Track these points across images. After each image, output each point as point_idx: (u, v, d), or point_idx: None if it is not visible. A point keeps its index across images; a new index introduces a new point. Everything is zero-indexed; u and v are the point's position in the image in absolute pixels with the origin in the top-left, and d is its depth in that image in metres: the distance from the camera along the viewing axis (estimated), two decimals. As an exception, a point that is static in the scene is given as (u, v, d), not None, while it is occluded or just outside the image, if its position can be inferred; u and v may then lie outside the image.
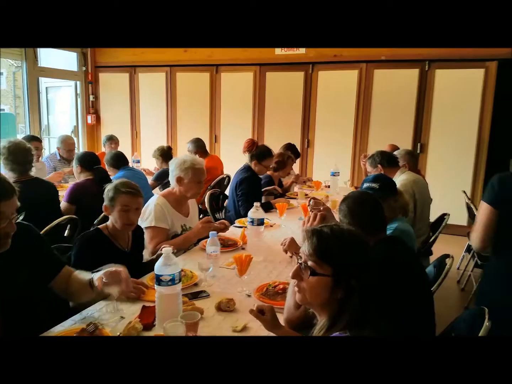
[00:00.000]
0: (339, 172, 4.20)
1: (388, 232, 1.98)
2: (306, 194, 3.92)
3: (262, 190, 3.56)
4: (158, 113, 6.57)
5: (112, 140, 4.92)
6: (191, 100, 6.36)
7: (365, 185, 2.15)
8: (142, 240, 2.19)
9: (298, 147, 5.66)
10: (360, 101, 5.50)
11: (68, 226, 2.73)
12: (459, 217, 4.47)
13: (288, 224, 2.88)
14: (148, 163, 5.38)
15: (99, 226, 2.02)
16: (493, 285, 1.93)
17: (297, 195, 3.84)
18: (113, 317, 1.57)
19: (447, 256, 2.13)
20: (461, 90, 5.06)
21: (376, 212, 1.76)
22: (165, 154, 4.13)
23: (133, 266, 1.86)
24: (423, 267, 1.87)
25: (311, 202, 2.41)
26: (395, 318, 1.37)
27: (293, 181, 4.26)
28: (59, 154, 4.31)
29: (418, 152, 5.28)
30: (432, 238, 2.88)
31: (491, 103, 4.95)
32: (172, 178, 2.37)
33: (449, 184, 5.05)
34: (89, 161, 3.17)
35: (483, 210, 1.86)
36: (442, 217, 3.07)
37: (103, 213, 2.77)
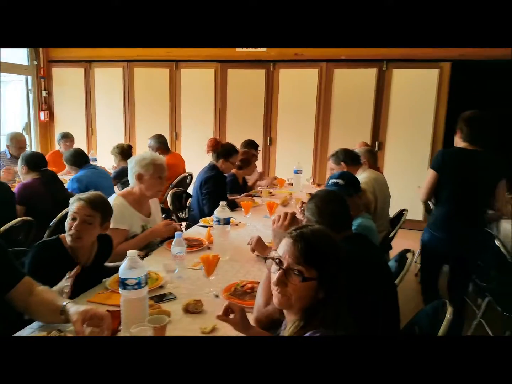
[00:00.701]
0: (301, 170, 4.23)
1: (352, 228, 2.01)
2: (270, 192, 3.93)
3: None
4: (115, 110, 6.37)
5: (67, 138, 4.72)
6: (150, 96, 6.21)
7: (331, 181, 2.18)
8: (109, 252, 2.03)
9: (261, 144, 5.68)
10: (320, 99, 5.58)
11: (23, 229, 2.60)
12: (415, 213, 4.64)
13: (253, 223, 2.87)
14: (105, 161, 5.20)
15: (60, 236, 1.86)
16: (434, 219, 2.63)
17: (261, 193, 3.84)
18: (74, 324, 1.50)
19: (407, 250, 2.20)
20: (417, 89, 5.24)
21: (342, 210, 1.78)
22: (125, 152, 4.01)
23: (90, 282, 1.78)
24: (387, 262, 1.91)
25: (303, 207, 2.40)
26: (363, 315, 1.39)
27: (257, 179, 4.25)
28: (9, 152, 4.09)
29: (376, 149, 5.43)
30: (392, 233, 2.96)
31: (445, 102, 5.16)
32: (131, 176, 2.30)
33: (406, 181, 5.22)
34: (35, 162, 3.02)
35: (429, 174, 2.53)
36: (401, 213, 3.16)
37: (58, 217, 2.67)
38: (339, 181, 2.12)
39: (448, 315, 1.53)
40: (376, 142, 5.46)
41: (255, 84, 5.77)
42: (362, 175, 3.05)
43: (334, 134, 5.60)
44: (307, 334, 1.06)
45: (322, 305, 1.07)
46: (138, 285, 1.45)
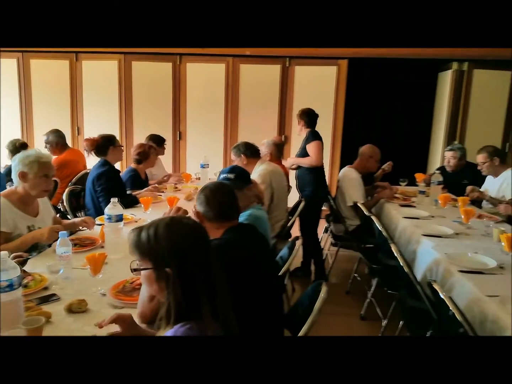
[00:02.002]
0: (208, 164, 4.27)
1: (243, 218, 2.10)
2: (175, 187, 3.92)
3: None
4: (8, 104, 5.87)
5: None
6: (50, 90, 5.83)
7: (222, 175, 2.25)
8: None
9: (170, 139, 5.63)
10: (228, 94, 5.65)
11: None
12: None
13: (154, 219, 2.84)
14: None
15: None
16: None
17: (166, 188, 3.81)
18: None
19: (297, 238, 2.35)
20: (317, 85, 5.54)
21: (230, 201, 1.86)
22: (16, 150, 3.73)
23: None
24: (271, 250, 2.02)
25: None
26: (245, 300, 1.46)
27: (165, 180, 4.16)
28: None
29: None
30: (290, 222, 3.13)
31: (343, 97, 5.51)
32: (14, 175, 2.17)
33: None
34: None
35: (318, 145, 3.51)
36: (299, 203, 3.35)
37: None
38: (229, 175, 2.20)
39: (322, 294, 1.67)
40: (283, 136, 5.67)
41: (162, 77, 5.68)
42: (260, 168, 3.17)
43: (243, 128, 5.71)
44: (175, 327, 1.09)
45: (171, 295, 1.10)
46: (10, 287, 1.40)
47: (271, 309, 1.70)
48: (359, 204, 3.37)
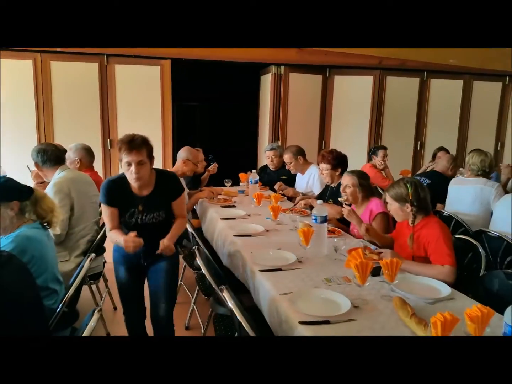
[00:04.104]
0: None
1: (8, 241, 1.73)
2: None
3: None
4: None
5: None
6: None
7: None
8: None
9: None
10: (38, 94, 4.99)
11: None
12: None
13: None
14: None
15: None
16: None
17: None
18: None
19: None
20: (141, 85, 5.26)
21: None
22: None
23: None
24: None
25: None
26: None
27: None
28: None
29: (110, 148, 5.24)
30: (100, 234, 2.81)
31: (169, 97, 5.33)
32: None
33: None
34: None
35: None
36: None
37: None
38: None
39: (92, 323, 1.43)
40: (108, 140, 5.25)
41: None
42: (59, 175, 2.75)
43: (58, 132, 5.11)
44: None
45: None
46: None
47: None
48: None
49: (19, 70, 4.85)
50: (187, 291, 3.37)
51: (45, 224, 1.97)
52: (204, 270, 2.05)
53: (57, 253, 2.65)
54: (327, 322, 1.59)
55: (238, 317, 1.52)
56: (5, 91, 4.84)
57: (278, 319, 1.76)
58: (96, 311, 1.47)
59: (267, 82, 5.74)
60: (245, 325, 1.50)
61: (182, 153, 3.37)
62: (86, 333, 1.36)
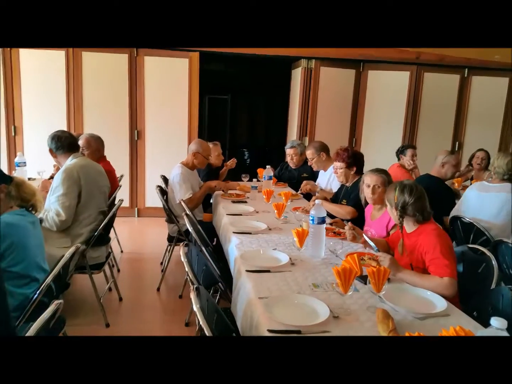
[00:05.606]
0: (25, 162, 3.76)
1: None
2: None
3: None
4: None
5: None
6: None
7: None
8: None
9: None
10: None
11: None
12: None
13: None
14: None
15: None
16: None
17: None
18: None
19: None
20: (170, 77, 5.27)
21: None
22: None
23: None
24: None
25: None
26: None
27: None
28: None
29: (136, 139, 5.30)
30: (102, 225, 2.80)
31: (196, 89, 5.31)
32: None
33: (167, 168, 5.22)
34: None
35: None
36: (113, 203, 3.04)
37: None
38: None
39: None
40: (135, 131, 5.31)
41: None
42: (72, 162, 2.77)
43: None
44: None
45: None
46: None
47: None
48: (181, 201, 3.15)
49: (52, 59, 5.00)
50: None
51: (30, 209, 1.97)
52: (187, 268, 1.97)
53: (59, 239, 2.70)
54: (298, 331, 1.46)
55: (201, 322, 1.42)
56: (38, 80, 5.02)
57: (249, 324, 1.64)
58: (54, 303, 1.42)
59: (297, 76, 5.58)
60: (206, 331, 1.40)
61: (193, 145, 3.31)
62: (35, 324, 1.31)
